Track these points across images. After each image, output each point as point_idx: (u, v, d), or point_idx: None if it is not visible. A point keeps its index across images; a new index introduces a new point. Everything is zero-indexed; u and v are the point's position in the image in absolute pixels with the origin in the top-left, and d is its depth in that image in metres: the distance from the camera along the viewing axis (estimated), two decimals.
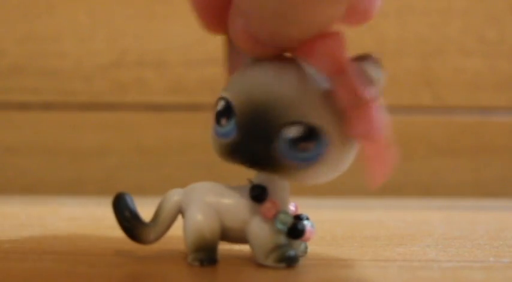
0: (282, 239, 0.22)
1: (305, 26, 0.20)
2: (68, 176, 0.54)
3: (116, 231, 0.27)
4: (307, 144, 0.21)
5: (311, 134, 0.21)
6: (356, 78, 0.20)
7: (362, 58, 0.21)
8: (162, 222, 0.24)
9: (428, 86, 0.54)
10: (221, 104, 0.22)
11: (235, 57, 0.24)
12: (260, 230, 0.22)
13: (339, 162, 0.21)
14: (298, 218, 0.23)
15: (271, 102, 0.21)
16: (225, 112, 0.22)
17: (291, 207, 0.24)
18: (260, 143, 0.21)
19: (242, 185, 0.23)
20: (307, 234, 0.22)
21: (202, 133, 0.53)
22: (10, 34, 0.54)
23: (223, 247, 0.24)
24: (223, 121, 0.22)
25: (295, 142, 0.21)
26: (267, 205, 0.22)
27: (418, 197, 0.53)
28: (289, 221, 0.22)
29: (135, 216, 0.24)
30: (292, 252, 0.22)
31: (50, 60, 0.54)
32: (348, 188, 0.52)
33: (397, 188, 0.54)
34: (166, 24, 0.53)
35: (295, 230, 0.22)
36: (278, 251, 0.22)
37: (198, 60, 0.52)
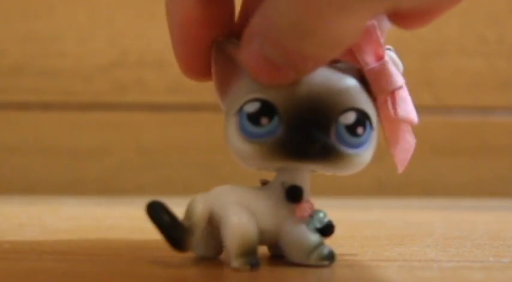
0: (319, 238, 0.22)
1: (324, 41, 0.20)
2: (68, 176, 0.54)
3: (116, 231, 0.27)
4: (362, 128, 0.21)
5: (363, 119, 0.21)
6: (391, 66, 0.22)
7: (387, 49, 0.22)
8: (196, 230, 0.22)
9: (428, 86, 0.54)
10: (254, 105, 0.21)
11: (226, 73, 0.23)
12: (298, 231, 0.22)
13: (374, 149, 0.22)
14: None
15: (321, 93, 0.21)
16: (264, 111, 0.21)
17: None
18: (318, 133, 0.21)
19: (263, 186, 0.23)
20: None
21: (202, 133, 0.53)
22: (10, 34, 0.54)
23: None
24: (265, 120, 0.21)
25: (352, 127, 0.21)
26: (303, 205, 0.22)
27: (418, 197, 0.53)
28: (326, 220, 0.22)
29: (177, 222, 0.22)
30: (330, 250, 0.22)
31: (50, 60, 0.54)
32: (348, 188, 0.52)
33: (397, 188, 0.54)
34: (166, 24, 0.53)
35: (329, 227, 0.22)
36: (319, 250, 0.22)
37: None
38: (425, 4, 0.20)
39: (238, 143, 0.22)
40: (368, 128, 0.22)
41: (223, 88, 0.23)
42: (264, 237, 0.22)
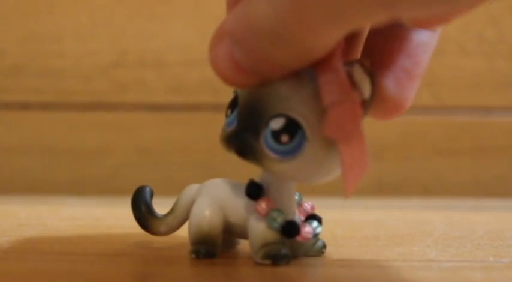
0: (274, 237, 0.22)
1: (299, 51, 0.19)
2: (68, 176, 0.54)
3: (116, 231, 0.27)
4: (287, 137, 0.21)
5: (292, 128, 0.21)
6: (343, 78, 0.20)
7: (354, 62, 0.21)
8: (176, 215, 0.25)
9: (428, 86, 0.54)
10: (232, 97, 0.23)
11: None
12: (254, 227, 0.22)
13: (320, 163, 0.21)
14: (309, 218, 0.23)
15: (264, 94, 0.21)
16: (232, 104, 0.22)
17: (307, 207, 0.24)
18: (250, 133, 0.21)
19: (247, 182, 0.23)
20: (304, 234, 0.22)
21: (202, 133, 0.53)
22: (10, 34, 0.54)
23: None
24: (229, 111, 0.22)
25: (277, 134, 0.21)
26: (260, 203, 0.22)
27: (418, 197, 0.53)
28: (281, 219, 0.22)
29: (149, 209, 0.25)
30: (281, 251, 0.22)
31: (50, 60, 0.54)
32: None
33: (397, 188, 0.54)
34: (166, 24, 0.53)
35: (288, 228, 0.22)
36: (267, 248, 0.22)
37: (198, 60, 0.52)
38: (425, 14, 0.19)
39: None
40: (299, 137, 0.21)
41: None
42: (235, 231, 0.23)
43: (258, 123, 0.21)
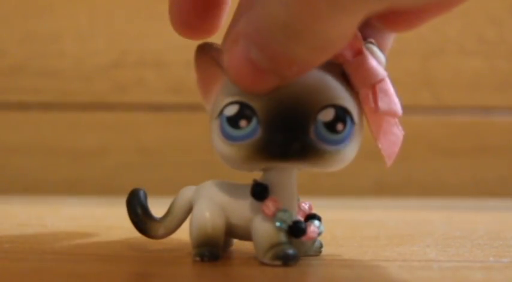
0: (281, 237, 0.22)
1: (315, 42, 0.19)
2: (68, 176, 0.54)
3: (116, 231, 0.27)
4: (341, 125, 0.21)
5: (343, 115, 0.21)
6: (371, 59, 0.21)
7: (367, 42, 0.22)
8: (173, 218, 0.25)
9: (428, 86, 0.54)
10: (233, 108, 0.21)
11: (209, 76, 0.23)
12: (261, 228, 0.22)
13: (359, 144, 0.22)
14: (309, 218, 0.23)
15: (299, 91, 0.21)
16: (243, 114, 0.21)
17: (305, 207, 0.24)
18: (296, 132, 0.21)
19: (249, 183, 0.23)
20: (309, 233, 0.22)
21: (202, 133, 0.53)
22: (10, 34, 0.54)
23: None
24: (243, 123, 0.21)
25: (331, 124, 0.21)
26: (267, 203, 0.22)
27: (418, 197, 0.53)
28: (289, 219, 0.22)
29: (146, 211, 0.25)
30: (290, 251, 0.22)
31: (50, 60, 0.54)
32: (348, 188, 0.52)
33: (397, 188, 0.54)
34: (166, 24, 0.53)
35: (295, 228, 0.22)
36: (275, 249, 0.22)
37: None
38: (422, 3, 0.19)
39: (220, 146, 0.22)
40: (349, 123, 0.21)
41: (206, 91, 0.23)
42: (236, 232, 0.23)
43: (303, 121, 0.21)
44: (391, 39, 0.24)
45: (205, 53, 0.23)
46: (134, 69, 0.54)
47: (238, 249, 0.26)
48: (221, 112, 0.22)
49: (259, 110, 0.21)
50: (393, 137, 0.22)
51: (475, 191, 0.54)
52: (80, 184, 0.53)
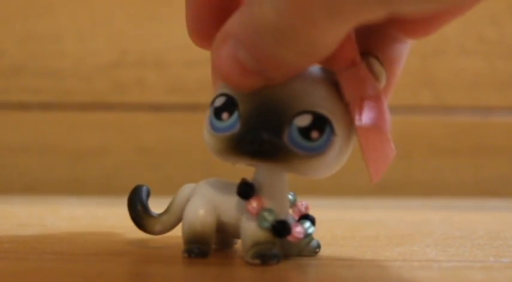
0: (265, 237, 0.22)
1: (304, 48, 0.19)
2: (68, 176, 0.54)
3: (116, 231, 0.27)
4: (317, 133, 0.21)
5: (320, 123, 0.21)
6: (365, 72, 0.21)
7: (367, 54, 0.22)
8: (171, 214, 0.25)
9: (428, 86, 0.54)
10: (221, 100, 0.22)
11: None
12: (246, 226, 0.22)
13: (341, 156, 0.22)
14: (302, 218, 0.23)
15: (281, 93, 0.21)
16: (227, 106, 0.22)
17: (302, 207, 0.24)
18: (270, 132, 0.21)
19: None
20: (295, 234, 0.22)
21: (202, 133, 0.53)
22: (10, 34, 0.54)
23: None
24: (225, 115, 0.22)
25: (306, 131, 0.21)
26: (251, 202, 0.22)
27: (418, 197, 0.53)
28: (271, 218, 0.22)
29: (144, 208, 0.25)
30: (271, 250, 0.22)
31: (50, 60, 0.54)
32: (348, 188, 0.52)
33: (397, 188, 0.54)
34: (166, 24, 0.53)
35: (279, 228, 0.22)
36: (257, 248, 0.22)
37: (198, 60, 0.52)
38: (426, 10, 0.19)
39: (205, 135, 0.23)
40: (327, 133, 0.21)
41: (215, 79, 0.24)
42: (227, 230, 0.23)
43: (278, 122, 0.21)
44: (407, 48, 0.23)
45: None
46: (134, 69, 0.54)
47: (236, 249, 0.25)
48: (213, 102, 0.22)
49: (241, 105, 0.21)
50: (382, 155, 0.21)
51: (475, 191, 0.54)
52: (80, 184, 0.53)
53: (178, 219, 0.25)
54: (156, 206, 0.25)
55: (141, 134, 0.54)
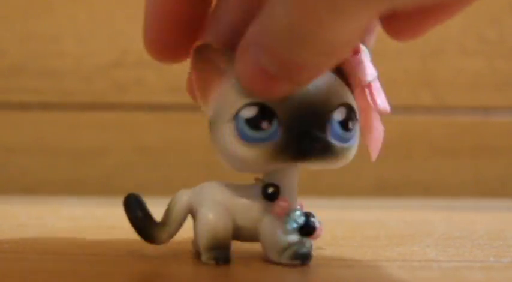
0: (295, 237, 0.22)
1: (320, 47, 0.19)
2: (68, 176, 0.54)
3: (116, 231, 0.27)
4: (352, 123, 0.22)
5: (352, 113, 0.22)
6: (366, 58, 0.22)
7: None
8: (173, 222, 0.24)
9: (428, 86, 0.54)
10: (252, 110, 0.21)
11: (207, 78, 0.23)
12: (273, 229, 0.22)
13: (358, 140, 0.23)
14: (307, 216, 0.23)
15: (313, 92, 0.21)
16: (264, 115, 0.21)
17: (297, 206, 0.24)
18: (316, 132, 0.21)
19: (251, 184, 0.23)
20: (317, 231, 0.23)
21: (202, 133, 0.53)
22: (10, 34, 0.54)
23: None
24: (265, 124, 0.21)
25: (344, 123, 0.22)
26: (280, 203, 0.22)
27: (418, 197, 0.53)
28: (302, 219, 0.22)
29: (148, 216, 0.24)
30: (305, 250, 0.22)
31: (50, 60, 0.54)
32: (348, 188, 0.52)
33: (397, 188, 0.54)
34: None
35: (308, 227, 0.22)
36: (292, 249, 0.22)
37: None
38: (426, 2, 0.19)
39: (237, 149, 0.22)
40: (355, 121, 0.22)
41: (204, 93, 0.23)
42: (242, 234, 0.23)
43: (321, 120, 0.21)
44: (374, 38, 0.24)
45: (203, 54, 0.22)
46: (134, 69, 0.54)
47: (236, 250, 0.25)
48: (237, 114, 0.22)
49: (279, 111, 0.21)
50: (377, 133, 0.23)
51: (475, 191, 0.54)
52: (80, 184, 0.53)
53: (180, 226, 0.24)
54: (157, 206, 0.25)
55: (141, 134, 0.54)
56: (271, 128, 0.21)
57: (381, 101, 0.22)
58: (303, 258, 0.22)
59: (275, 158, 0.21)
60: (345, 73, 0.22)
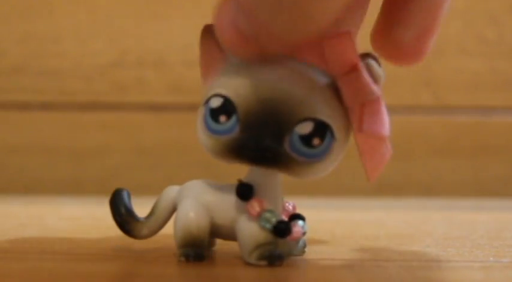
0: (267, 237, 0.22)
1: (297, 18, 0.19)
2: (68, 176, 0.54)
3: (116, 231, 0.27)
4: (318, 140, 0.21)
5: (322, 130, 0.21)
6: (366, 76, 0.21)
7: (365, 56, 0.22)
8: (157, 218, 0.24)
9: (428, 86, 0.54)
10: (217, 101, 0.22)
11: (210, 59, 0.23)
12: (246, 228, 0.22)
13: (338, 159, 0.22)
14: (292, 218, 0.23)
15: (282, 99, 0.21)
16: (224, 109, 0.21)
17: (289, 207, 0.24)
18: (270, 139, 0.21)
19: (234, 183, 0.23)
20: (294, 234, 0.22)
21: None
22: (10, 34, 0.54)
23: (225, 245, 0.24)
24: (223, 118, 0.21)
25: (307, 138, 0.21)
26: (252, 203, 0.22)
27: (418, 197, 0.53)
28: (274, 219, 0.22)
29: (129, 212, 0.24)
30: (276, 251, 0.22)
31: (50, 60, 0.54)
32: (348, 188, 0.52)
33: (397, 188, 0.54)
34: (166, 24, 0.53)
35: (280, 228, 0.22)
36: (261, 249, 0.22)
37: (198, 60, 0.52)
38: None
39: (201, 134, 0.22)
40: (328, 138, 0.21)
41: (206, 73, 0.23)
42: (221, 232, 0.23)
43: (280, 130, 0.21)
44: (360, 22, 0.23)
45: (211, 34, 0.22)
46: (134, 69, 0.54)
47: (220, 249, 0.25)
48: (207, 101, 0.22)
49: (241, 108, 0.21)
50: (379, 156, 0.22)
51: (475, 191, 0.54)
52: (80, 184, 0.53)
53: (164, 223, 0.24)
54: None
55: (141, 134, 0.54)
56: (228, 123, 0.21)
57: (370, 125, 0.21)
58: (270, 259, 0.22)
59: (227, 154, 0.22)
60: (339, 89, 0.21)
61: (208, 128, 0.22)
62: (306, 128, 0.21)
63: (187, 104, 0.53)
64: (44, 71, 0.54)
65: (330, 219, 0.35)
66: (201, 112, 0.22)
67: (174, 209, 0.24)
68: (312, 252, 0.25)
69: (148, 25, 0.54)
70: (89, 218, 0.36)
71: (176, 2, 0.53)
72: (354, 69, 0.21)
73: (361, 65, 0.21)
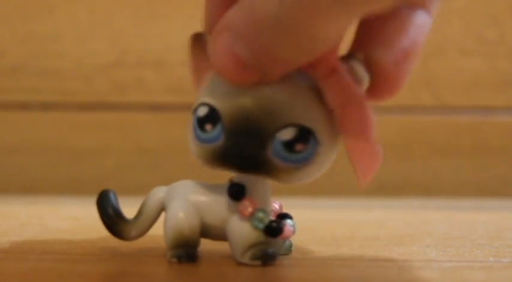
0: (259, 237, 0.22)
1: (302, 42, 0.19)
2: (68, 176, 0.54)
3: None
4: (301, 145, 0.21)
5: (304, 135, 0.21)
6: (347, 78, 0.21)
7: (348, 57, 0.21)
8: (145, 219, 0.24)
9: (428, 86, 0.54)
10: (203, 110, 0.22)
11: (200, 67, 0.23)
12: (238, 228, 0.22)
13: (326, 162, 0.22)
14: (280, 217, 0.23)
15: (263, 106, 0.21)
16: (210, 118, 0.22)
17: (276, 206, 0.24)
18: (253, 147, 0.21)
19: (224, 183, 0.23)
20: (285, 233, 0.22)
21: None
22: (10, 34, 0.54)
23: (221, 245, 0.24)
24: (208, 127, 0.22)
25: (290, 144, 0.21)
26: (244, 203, 0.22)
27: (418, 197, 0.53)
28: (266, 219, 0.22)
29: (117, 213, 0.24)
30: (269, 250, 0.22)
31: (50, 60, 0.54)
32: (348, 188, 0.52)
33: (397, 188, 0.54)
34: (166, 24, 0.53)
35: (272, 228, 0.22)
36: (254, 249, 0.22)
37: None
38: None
39: (190, 143, 0.23)
40: (311, 143, 0.21)
41: (198, 81, 0.23)
42: (211, 232, 0.23)
43: (261, 136, 0.21)
44: (429, 20, 0.22)
45: (200, 42, 0.23)
46: (134, 69, 0.54)
47: (207, 249, 0.25)
48: (195, 110, 0.22)
49: (225, 117, 0.21)
50: (368, 159, 0.21)
51: (475, 191, 0.54)
52: (80, 184, 0.53)
53: (152, 223, 0.24)
54: None
55: (141, 134, 0.54)
56: (214, 132, 0.22)
57: (351, 128, 0.21)
58: (264, 259, 0.22)
59: (213, 162, 0.22)
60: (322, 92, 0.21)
61: (197, 137, 0.22)
62: (287, 134, 0.21)
63: (187, 104, 0.53)
64: (44, 71, 0.54)
65: (330, 220, 0.35)
66: (191, 120, 0.23)
67: (161, 209, 0.24)
68: (311, 253, 0.25)
69: (148, 25, 0.54)
70: (89, 218, 0.36)
71: (176, 2, 0.53)
72: (333, 71, 0.21)
73: (341, 67, 0.21)
